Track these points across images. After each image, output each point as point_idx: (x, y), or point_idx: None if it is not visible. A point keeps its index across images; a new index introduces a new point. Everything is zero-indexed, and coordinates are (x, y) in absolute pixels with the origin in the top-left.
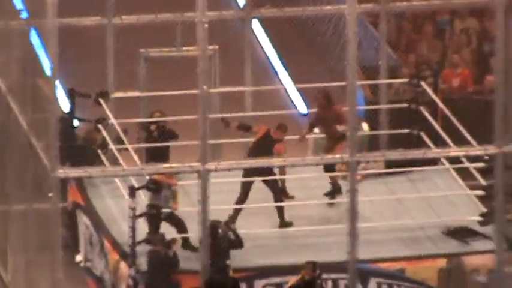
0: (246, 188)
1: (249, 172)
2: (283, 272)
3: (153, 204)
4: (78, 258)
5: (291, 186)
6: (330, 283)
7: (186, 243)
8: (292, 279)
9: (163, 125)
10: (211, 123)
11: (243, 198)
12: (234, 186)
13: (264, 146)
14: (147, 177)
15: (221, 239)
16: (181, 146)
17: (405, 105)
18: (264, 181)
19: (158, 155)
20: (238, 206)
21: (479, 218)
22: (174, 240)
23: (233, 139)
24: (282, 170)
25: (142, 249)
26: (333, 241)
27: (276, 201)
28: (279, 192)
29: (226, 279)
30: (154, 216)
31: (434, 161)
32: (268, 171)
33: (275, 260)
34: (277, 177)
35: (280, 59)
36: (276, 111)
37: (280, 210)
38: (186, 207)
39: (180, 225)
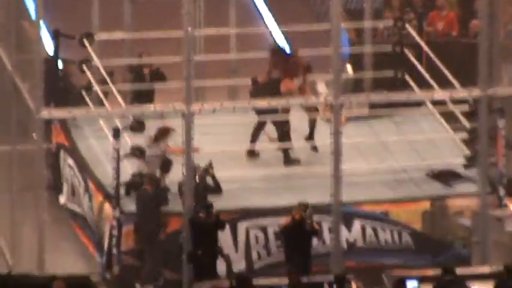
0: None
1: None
2: (266, 214)
3: (137, 146)
4: (62, 199)
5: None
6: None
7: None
8: (283, 220)
9: (157, 68)
10: (195, 65)
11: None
12: (220, 129)
13: (270, 85)
14: (131, 118)
15: (199, 184)
16: (166, 88)
17: (389, 47)
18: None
19: (144, 98)
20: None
21: (463, 161)
22: (163, 177)
23: (218, 81)
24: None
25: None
26: (316, 183)
27: (280, 139)
28: (285, 130)
29: (209, 218)
30: (138, 158)
31: (418, 104)
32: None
33: (258, 202)
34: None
35: (265, 1)
36: (260, 54)
37: (285, 148)
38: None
39: (165, 165)
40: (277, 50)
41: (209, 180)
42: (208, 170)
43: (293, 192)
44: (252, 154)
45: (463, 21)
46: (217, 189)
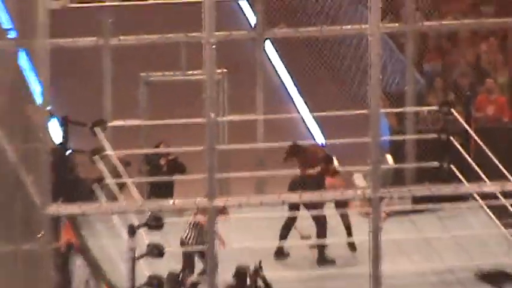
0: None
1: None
2: None
3: (154, 243)
4: None
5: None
6: None
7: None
8: None
9: (174, 158)
10: (219, 155)
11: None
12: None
13: (312, 180)
14: (148, 214)
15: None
16: (186, 181)
17: (434, 135)
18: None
19: (163, 191)
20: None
21: None
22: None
23: (244, 172)
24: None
25: None
26: (353, 286)
27: (318, 236)
28: (322, 226)
29: None
30: (156, 256)
31: (466, 198)
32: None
33: None
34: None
35: (295, 84)
36: (290, 142)
37: (321, 246)
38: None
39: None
40: (293, 145)
41: (260, 283)
42: (258, 271)
43: None
44: (280, 254)
45: None
46: None
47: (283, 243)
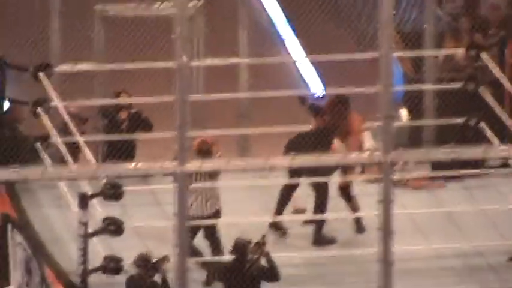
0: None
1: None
2: None
3: (111, 217)
4: None
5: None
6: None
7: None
8: None
9: (137, 111)
10: (192, 107)
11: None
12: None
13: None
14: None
15: (250, 266)
16: (151, 140)
17: (459, 85)
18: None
19: (122, 152)
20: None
21: None
22: (164, 259)
23: (223, 129)
24: None
25: (97, 279)
26: (359, 270)
27: (316, 209)
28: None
29: None
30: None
31: (499, 163)
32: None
33: None
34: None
35: (289, 22)
36: (281, 92)
37: (319, 223)
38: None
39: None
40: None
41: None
42: (261, 247)
43: (327, 283)
44: (277, 227)
45: None
46: (274, 274)
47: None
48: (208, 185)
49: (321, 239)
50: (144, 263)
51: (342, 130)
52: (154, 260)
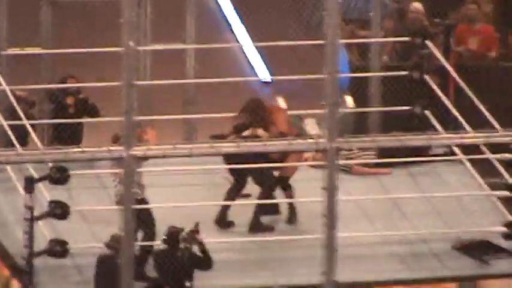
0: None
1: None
2: None
3: (57, 201)
4: None
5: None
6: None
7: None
8: None
9: (84, 98)
10: (139, 92)
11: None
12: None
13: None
14: (50, 165)
15: (182, 254)
16: (98, 124)
17: (405, 73)
18: (249, 170)
19: (68, 136)
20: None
21: (503, 229)
22: (196, 228)
23: (169, 114)
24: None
25: (42, 262)
26: (302, 256)
27: (260, 196)
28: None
29: None
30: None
31: (443, 151)
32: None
33: (223, 282)
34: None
35: (235, 8)
36: (228, 78)
37: (258, 210)
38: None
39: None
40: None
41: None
42: (194, 235)
43: (271, 268)
44: (224, 224)
45: (503, 38)
46: (207, 261)
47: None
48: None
49: (258, 226)
50: (174, 236)
51: (263, 122)
52: (186, 231)
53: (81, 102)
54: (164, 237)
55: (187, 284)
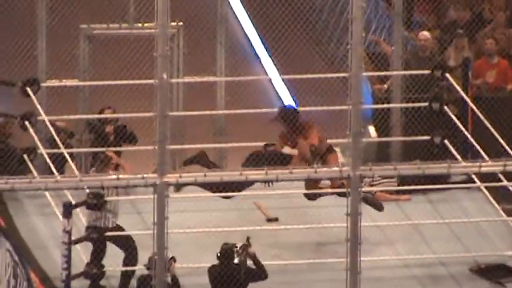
0: None
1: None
2: None
3: (94, 225)
4: None
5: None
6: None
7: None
8: None
9: (123, 125)
10: (172, 123)
11: None
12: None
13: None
14: (87, 191)
15: (238, 268)
16: (135, 153)
17: (425, 104)
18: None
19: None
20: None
21: None
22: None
23: (201, 144)
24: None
25: (79, 285)
26: (327, 278)
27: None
28: None
29: None
30: (96, 242)
31: (462, 179)
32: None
33: None
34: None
35: (263, 42)
36: (256, 109)
37: None
38: (140, 231)
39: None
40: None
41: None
42: (247, 249)
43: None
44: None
45: None
46: (261, 273)
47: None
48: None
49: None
50: (229, 252)
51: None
52: (240, 246)
53: (119, 128)
54: (218, 254)
55: None
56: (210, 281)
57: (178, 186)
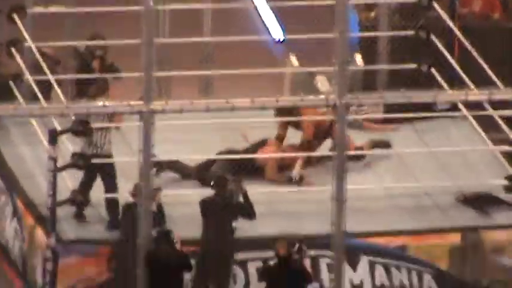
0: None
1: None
2: (246, 246)
3: (80, 153)
4: None
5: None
6: (308, 262)
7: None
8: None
9: (110, 64)
10: (158, 50)
11: None
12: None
13: None
14: (73, 118)
15: (230, 197)
16: (119, 84)
17: (412, 32)
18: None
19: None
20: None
21: (505, 182)
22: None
23: (187, 71)
24: None
25: (65, 212)
26: (313, 208)
27: None
28: None
29: (172, 251)
30: (81, 168)
31: (448, 107)
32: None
33: (236, 231)
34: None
35: None
36: (243, 37)
37: None
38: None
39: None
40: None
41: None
42: (240, 184)
43: (282, 218)
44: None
45: (505, 1)
46: (250, 211)
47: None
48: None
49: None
50: (222, 182)
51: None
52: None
53: (106, 67)
54: (212, 183)
55: (234, 224)
56: (202, 212)
57: (158, 170)
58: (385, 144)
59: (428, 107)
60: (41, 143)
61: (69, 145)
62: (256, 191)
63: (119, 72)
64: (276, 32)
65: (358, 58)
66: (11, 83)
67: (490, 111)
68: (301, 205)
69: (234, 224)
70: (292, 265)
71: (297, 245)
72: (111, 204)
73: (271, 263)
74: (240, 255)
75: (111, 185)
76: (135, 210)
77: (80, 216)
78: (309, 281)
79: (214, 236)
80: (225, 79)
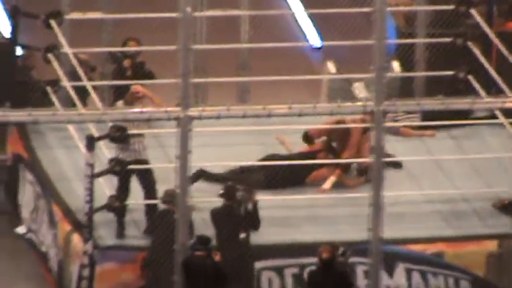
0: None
1: None
2: (283, 253)
3: (117, 159)
4: (21, 229)
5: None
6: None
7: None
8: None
9: (141, 62)
10: (195, 57)
11: None
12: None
13: None
14: (111, 125)
15: (239, 208)
16: (156, 86)
17: (449, 39)
18: None
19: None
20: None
21: None
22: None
23: (224, 77)
24: None
25: (102, 218)
26: (350, 214)
27: None
28: None
29: (208, 260)
30: (119, 174)
31: (485, 114)
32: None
33: (273, 237)
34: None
35: None
36: (280, 44)
37: None
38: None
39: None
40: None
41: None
42: (250, 193)
43: (319, 225)
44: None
45: None
46: (255, 221)
47: None
48: None
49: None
50: (231, 192)
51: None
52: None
53: (137, 65)
54: (221, 191)
55: (242, 235)
56: (212, 222)
57: (195, 177)
58: (396, 164)
59: (464, 114)
60: (77, 148)
61: (105, 151)
62: (294, 197)
63: (152, 74)
64: (314, 39)
65: (396, 65)
66: (48, 88)
67: None
68: (338, 210)
69: (241, 235)
70: (337, 268)
71: (341, 249)
72: (151, 210)
73: (314, 268)
74: (276, 262)
75: (150, 191)
76: (170, 216)
77: (120, 224)
78: (351, 284)
79: (226, 246)
80: (262, 86)
